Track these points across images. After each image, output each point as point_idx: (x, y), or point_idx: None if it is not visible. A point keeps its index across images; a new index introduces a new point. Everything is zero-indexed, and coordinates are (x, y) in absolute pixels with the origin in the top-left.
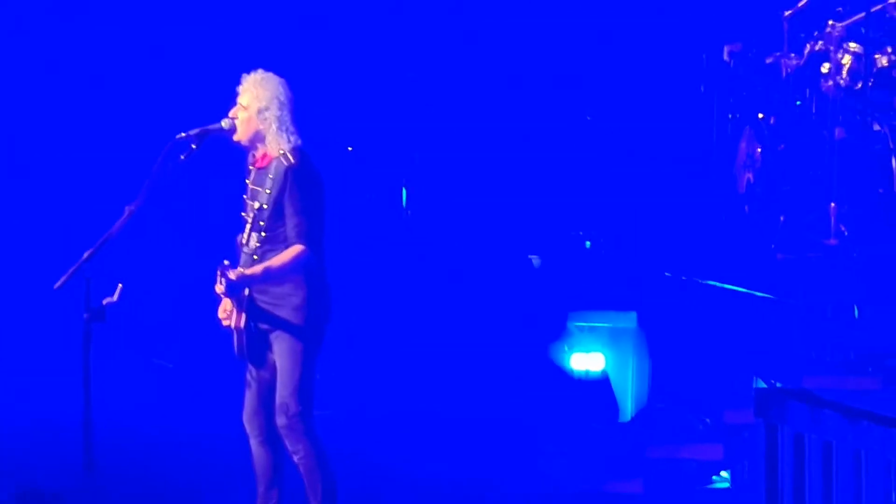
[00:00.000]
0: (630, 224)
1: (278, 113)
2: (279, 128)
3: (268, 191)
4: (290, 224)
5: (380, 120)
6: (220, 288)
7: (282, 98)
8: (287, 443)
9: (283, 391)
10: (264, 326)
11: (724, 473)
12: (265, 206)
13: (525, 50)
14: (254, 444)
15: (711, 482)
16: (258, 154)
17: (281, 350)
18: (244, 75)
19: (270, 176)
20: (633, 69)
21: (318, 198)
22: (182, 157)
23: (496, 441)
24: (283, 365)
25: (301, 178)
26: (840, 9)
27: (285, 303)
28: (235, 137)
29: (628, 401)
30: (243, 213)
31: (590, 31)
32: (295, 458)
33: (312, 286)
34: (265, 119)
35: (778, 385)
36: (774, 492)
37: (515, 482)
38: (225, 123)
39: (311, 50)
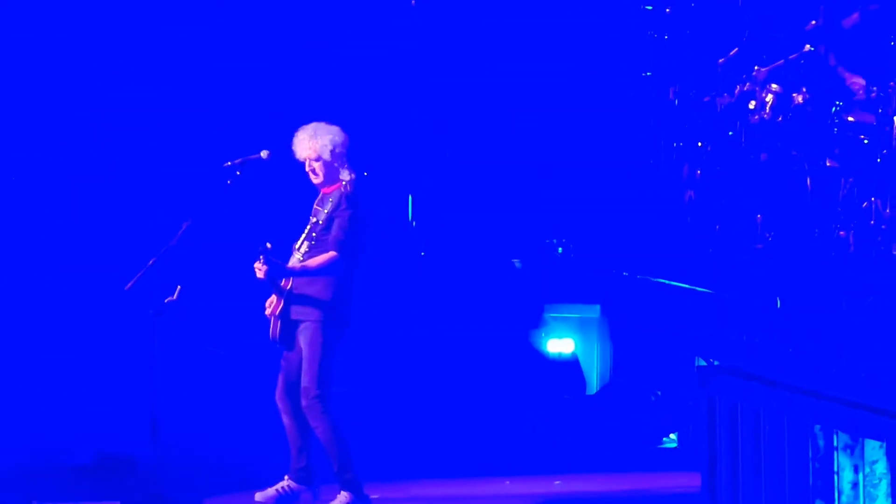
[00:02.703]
0: (594, 233)
1: (342, 150)
2: (344, 163)
3: (326, 210)
4: (332, 236)
5: (381, 139)
6: (259, 267)
7: (338, 137)
8: (308, 419)
9: (305, 377)
10: (296, 317)
11: (672, 436)
12: (320, 222)
13: (509, 87)
14: (284, 417)
15: (662, 442)
16: (327, 183)
17: (306, 341)
18: (297, 134)
19: (331, 200)
20: (598, 105)
21: (360, 221)
22: (228, 182)
23: (487, 410)
24: (307, 354)
25: (351, 202)
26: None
27: (314, 302)
28: (317, 182)
29: (594, 377)
30: (307, 227)
31: (568, 76)
32: (316, 432)
33: (338, 292)
34: (338, 157)
35: (715, 363)
36: (713, 450)
37: (504, 442)
38: (263, 154)
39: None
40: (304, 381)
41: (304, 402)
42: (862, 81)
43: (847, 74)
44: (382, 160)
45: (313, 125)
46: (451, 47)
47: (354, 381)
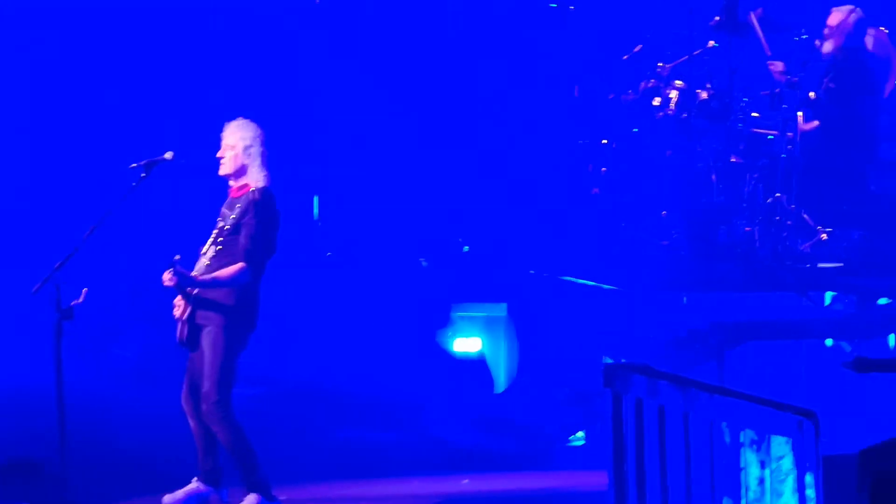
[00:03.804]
0: (501, 232)
1: (260, 149)
2: (261, 163)
3: (233, 216)
4: (241, 245)
5: (287, 139)
6: (168, 278)
7: (261, 139)
8: (209, 424)
9: (206, 382)
10: (200, 322)
11: (579, 434)
12: (227, 227)
13: (414, 85)
14: (190, 419)
15: (569, 441)
16: (236, 186)
17: (208, 345)
18: (227, 123)
19: (239, 205)
20: (503, 103)
21: (270, 230)
22: (133, 184)
23: (395, 410)
24: (209, 359)
25: (260, 211)
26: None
27: (217, 307)
28: (222, 172)
29: (501, 376)
30: (214, 230)
31: (473, 75)
32: (218, 437)
33: (242, 297)
34: (249, 155)
35: (622, 361)
36: (620, 447)
37: (412, 443)
38: (168, 155)
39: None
40: (205, 386)
41: (203, 407)
42: (780, 66)
43: (769, 63)
44: (288, 160)
45: (244, 119)
46: (356, 47)
47: (261, 382)
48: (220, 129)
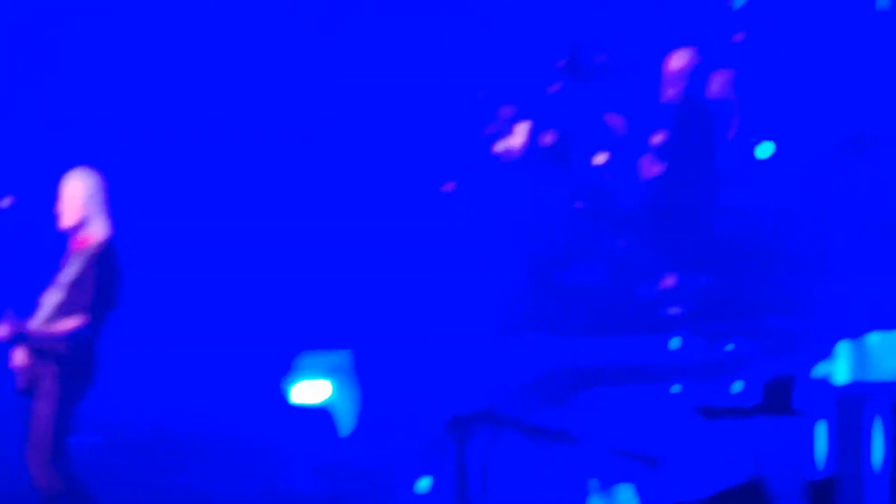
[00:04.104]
0: (345, 278)
1: (102, 197)
2: (103, 213)
3: (74, 268)
4: (81, 298)
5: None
6: (1, 330)
7: (103, 188)
8: (43, 473)
9: (40, 432)
10: (38, 371)
11: (425, 481)
12: (68, 279)
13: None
14: (31, 468)
15: (415, 488)
16: (78, 237)
17: (42, 396)
18: (64, 175)
19: (80, 257)
20: (345, 150)
21: (109, 282)
22: None
23: (238, 456)
24: (43, 409)
25: (100, 265)
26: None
27: (54, 358)
28: (63, 224)
29: (347, 422)
30: (55, 281)
31: (319, 121)
32: (51, 490)
33: (79, 350)
34: (91, 205)
35: (468, 409)
36: (463, 494)
37: (255, 490)
38: (4, 202)
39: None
40: (35, 437)
41: (35, 459)
42: (619, 120)
43: (606, 116)
44: (130, 207)
45: (84, 169)
46: (203, 83)
47: (101, 429)
48: (58, 173)
